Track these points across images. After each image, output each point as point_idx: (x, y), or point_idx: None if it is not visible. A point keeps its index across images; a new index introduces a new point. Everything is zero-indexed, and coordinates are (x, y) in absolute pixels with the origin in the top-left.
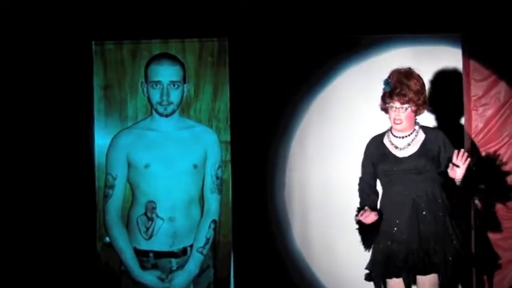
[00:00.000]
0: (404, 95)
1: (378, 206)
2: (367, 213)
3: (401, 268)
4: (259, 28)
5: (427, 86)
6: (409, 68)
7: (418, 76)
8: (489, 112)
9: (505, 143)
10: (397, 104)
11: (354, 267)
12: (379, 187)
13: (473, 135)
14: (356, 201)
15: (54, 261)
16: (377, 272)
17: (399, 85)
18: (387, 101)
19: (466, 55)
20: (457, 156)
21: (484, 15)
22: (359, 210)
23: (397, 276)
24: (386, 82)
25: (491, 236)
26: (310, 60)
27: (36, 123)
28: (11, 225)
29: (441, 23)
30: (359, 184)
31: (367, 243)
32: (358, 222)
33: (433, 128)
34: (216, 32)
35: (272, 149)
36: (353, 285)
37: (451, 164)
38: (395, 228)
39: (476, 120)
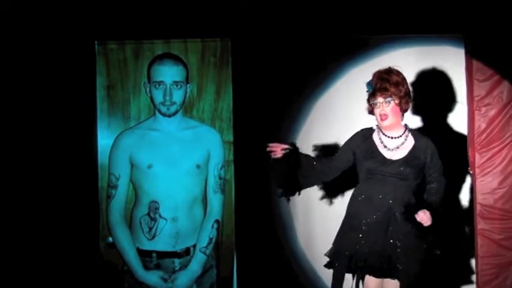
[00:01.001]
0: (386, 89)
1: (349, 199)
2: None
3: (358, 267)
4: (262, 28)
5: (430, 86)
6: (389, 67)
7: (397, 71)
8: (492, 112)
9: (508, 143)
10: (379, 99)
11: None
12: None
13: (475, 136)
14: None
15: (56, 261)
16: (341, 265)
17: (379, 81)
18: (371, 100)
19: (469, 55)
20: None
21: (487, 16)
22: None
23: (353, 273)
24: (368, 83)
25: (495, 236)
26: (313, 60)
27: (38, 123)
28: (14, 225)
29: (444, 23)
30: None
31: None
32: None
33: (423, 136)
34: (219, 32)
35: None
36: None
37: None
38: (363, 228)
39: (479, 120)
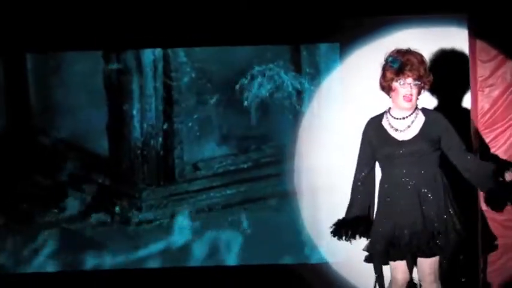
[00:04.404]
0: (417, 70)
1: (378, 189)
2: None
3: (406, 251)
4: (262, 12)
5: (434, 67)
6: (409, 48)
7: (422, 55)
8: (495, 93)
9: None
10: (409, 80)
11: (361, 250)
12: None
13: (479, 116)
14: None
15: None
16: (379, 255)
17: (409, 62)
18: (397, 78)
19: (472, 35)
20: None
21: None
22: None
23: (401, 259)
24: (394, 59)
25: (498, 217)
26: (318, 42)
27: None
28: None
29: (447, 3)
30: (354, 178)
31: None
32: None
33: (433, 110)
34: None
35: (280, 135)
36: (361, 267)
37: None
38: (398, 210)
39: (483, 101)
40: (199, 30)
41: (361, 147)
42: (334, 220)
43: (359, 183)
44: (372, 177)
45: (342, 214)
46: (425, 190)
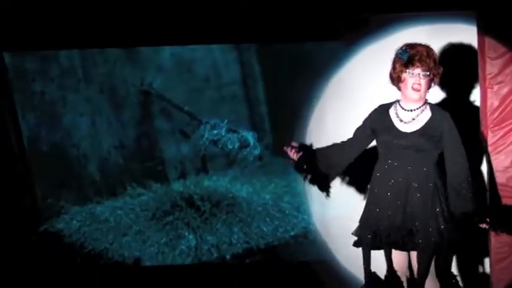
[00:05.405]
0: (426, 61)
1: (373, 175)
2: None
3: (384, 243)
4: (264, 10)
5: (442, 64)
6: (420, 43)
7: (432, 48)
8: (505, 90)
9: None
10: (418, 70)
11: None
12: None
13: (488, 114)
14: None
15: None
16: (366, 242)
17: (419, 53)
18: (406, 69)
19: (481, 32)
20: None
21: None
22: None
23: (379, 249)
24: (403, 51)
25: None
26: (326, 41)
27: None
28: None
29: (455, 0)
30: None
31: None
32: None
33: (441, 109)
34: None
35: (290, 129)
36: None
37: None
38: (384, 202)
39: (492, 98)
40: (199, 30)
41: (359, 126)
42: (342, 218)
43: (341, 145)
44: (351, 154)
45: (349, 213)
46: (415, 186)
